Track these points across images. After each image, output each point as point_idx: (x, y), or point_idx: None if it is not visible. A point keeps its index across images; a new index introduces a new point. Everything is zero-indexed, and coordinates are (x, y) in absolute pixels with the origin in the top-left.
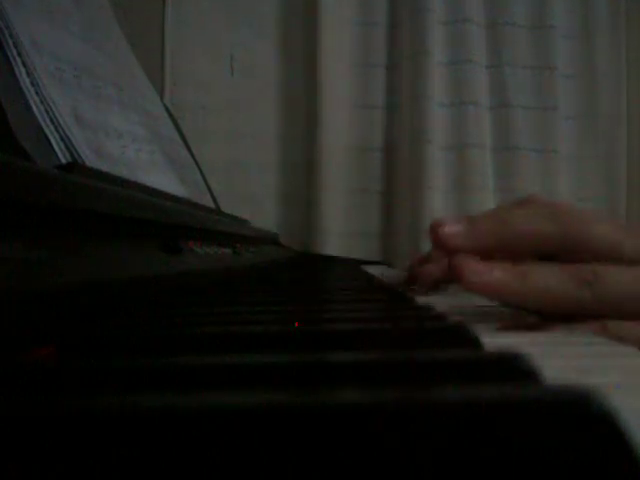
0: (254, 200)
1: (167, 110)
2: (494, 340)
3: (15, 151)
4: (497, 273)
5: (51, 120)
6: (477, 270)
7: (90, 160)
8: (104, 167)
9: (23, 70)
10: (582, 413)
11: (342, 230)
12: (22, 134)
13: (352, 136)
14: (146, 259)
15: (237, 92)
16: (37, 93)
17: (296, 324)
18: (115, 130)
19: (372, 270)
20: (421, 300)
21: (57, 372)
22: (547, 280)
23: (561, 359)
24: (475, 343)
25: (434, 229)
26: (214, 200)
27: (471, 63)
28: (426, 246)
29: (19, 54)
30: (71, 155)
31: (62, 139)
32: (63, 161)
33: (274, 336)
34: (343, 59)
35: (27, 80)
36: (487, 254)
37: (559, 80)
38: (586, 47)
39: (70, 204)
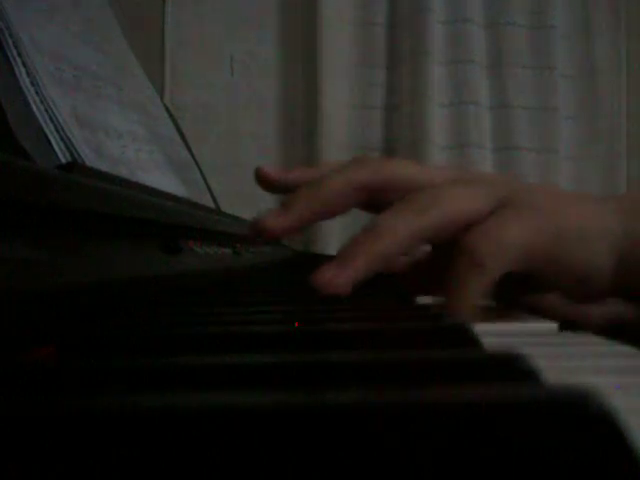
0: (254, 200)
1: (167, 110)
2: (494, 340)
3: (15, 151)
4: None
5: (51, 120)
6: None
7: (90, 160)
8: (104, 167)
9: (23, 70)
10: (582, 413)
11: (342, 230)
12: (22, 134)
13: (352, 136)
14: (146, 259)
15: (237, 92)
16: (37, 93)
17: (296, 324)
18: (115, 130)
19: None
20: (421, 300)
21: (57, 372)
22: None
23: (560, 359)
24: (474, 343)
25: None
26: (214, 200)
27: (471, 63)
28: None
29: (19, 54)
30: (71, 155)
31: (62, 139)
32: (63, 161)
33: (274, 336)
34: (343, 59)
35: (27, 80)
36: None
37: (559, 80)
38: (586, 47)
39: (70, 204)
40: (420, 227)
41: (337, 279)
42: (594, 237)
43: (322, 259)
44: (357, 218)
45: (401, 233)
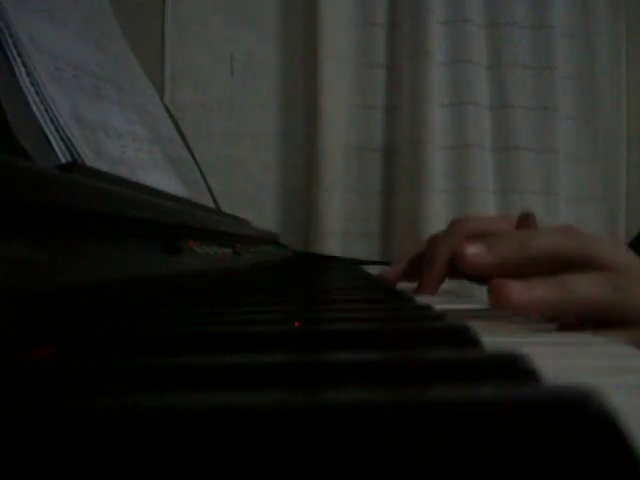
0: (254, 200)
1: (167, 110)
2: (495, 340)
3: (15, 151)
4: (539, 289)
5: (51, 120)
6: (520, 289)
7: (90, 160)
8: (104, 167)
9: (23, 70)
10: (582, 414)
11: (342, 230)
12: (22, 134)
13: (352, 136)
14: (146, 259)
15: (237, 92)
16: (37, 93)
17: (296, 324)
18: (115, 130)
19: (372, 270)
20: (421, 300)
21: (57, 372)
22: (587, 288)
23: (560, 359)
24: (475, 343)
25: (458, 254)
26: (214, 200)
27: (471, 63)
28: None
29: (19, 54)
30: (71, 155)
31: (62, 139)
32: (63, 161)
33: (274, 336)
34: (343, 59)
35: (27, 80)
36: (506, 273)
37: (559, 80)
38: (586, 47)
39: (70, 204)
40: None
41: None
42: None
43: (322, 259)
44: (357, 218)
45: (583, 302)
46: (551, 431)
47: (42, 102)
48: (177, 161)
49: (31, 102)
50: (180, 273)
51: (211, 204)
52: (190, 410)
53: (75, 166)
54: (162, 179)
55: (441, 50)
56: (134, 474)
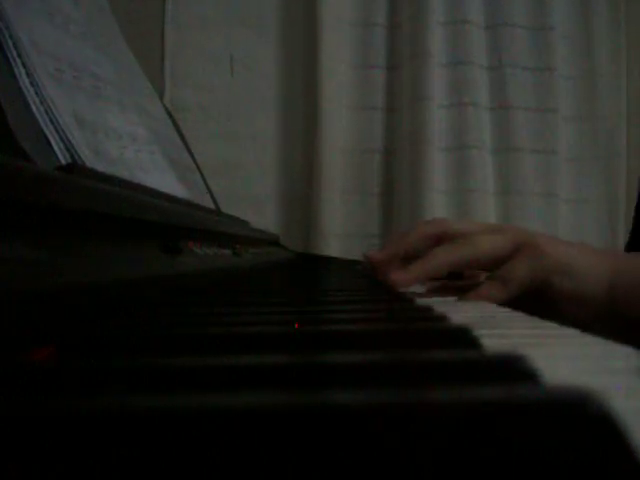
0: (254, 201)
1: (167, 110)
2: (496, 340)
3: (15, 151)
4: (412, 266)
5: (51, 120)
6: (398, 272)
7: (90, 161)
8: (104, 168)
9: (23, 70)
10: (582, 414)
11: (342, 231)
12: (22, 134)
13: (352, 137)
14: (146, 260)
15: (237, 92)
16: (37, 93)
17: (296, 325)
18: (115, 131)
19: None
20: (421, 301)
21: (57, 372)
22: (441, 250)
23: (559, 360)
24: (475, 344)
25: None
26: (214, 201)
27: (471, 64)
28: None
29: (19, 54)
30: (71, 156)
31: (62, 140)
32: (63, 162)
33: (274, 337)
34: (343, 60)
35: (27, 80)
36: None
37: (559, 81)
38: (586, 48)
39: (70, 205)
40: (455, 259)
41: (402, 281)
42: (581, 273)
43: (322, 260)
44: (357, 219)
45: (444, 261)
46: (551, 432)
47: (42, 103)
48: (177, 162)
49: (31, 103)
50: (180, 274)
51: (211, 205)
52: (190, 411)
53: (75, 167)
54: (162, 180)
55: (441, 51)
56: (134, 474)
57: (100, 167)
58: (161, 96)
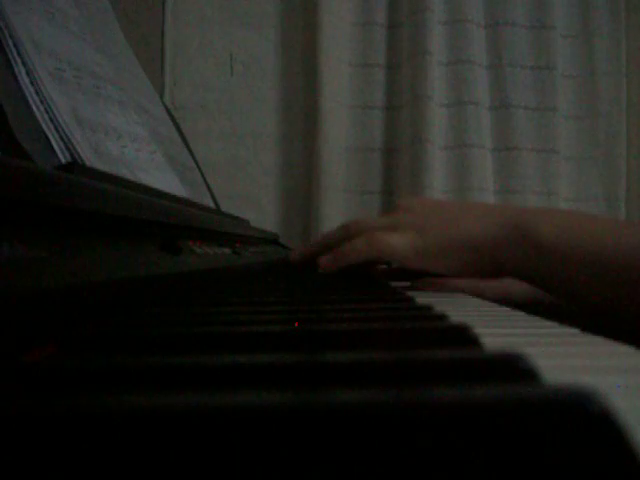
0: (254, 200)
1: (167, 110)
2: (496, 340)
3: (15, 151)
4: (329, 254)
5: (51, 120)
6: (324, 258)
7: (90, 160)
8: (104, 167)
9: (23, 70)
10: (582, 414)
11: None
12: (22, 134)
13: (352, 136)
14: (146, 259)
15: (237, 91)
16: (37, 93)
17: (296, 324)
18: (115, 130)
19: None
20: (421, 300)
21: (57, 372)
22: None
23: (559, 359)
24: (475, 343)
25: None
26: (214, 200)
27: (471, 63)
28: None
29: (19, 54)
30: (71, 155)
31: (62, 139)
32: (63, 161)
33: (274, 336)
34: (343, 59)
35: (27, 80)
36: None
37: (559, 80)
38: (586, 47)
39: (70, 204)
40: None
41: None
42: (453, 249)
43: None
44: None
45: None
46: (551, 431)
47: (42, 102)
48: (177, 161)
49: (31, 102)
50: (180, 273)
51: (211, 204)
52: (190, 410)
53: (75, 166)
54: (162, 179)
55: (441, 50)
56: (134, 474)
57: (100, 166)
58: (161, 95)
